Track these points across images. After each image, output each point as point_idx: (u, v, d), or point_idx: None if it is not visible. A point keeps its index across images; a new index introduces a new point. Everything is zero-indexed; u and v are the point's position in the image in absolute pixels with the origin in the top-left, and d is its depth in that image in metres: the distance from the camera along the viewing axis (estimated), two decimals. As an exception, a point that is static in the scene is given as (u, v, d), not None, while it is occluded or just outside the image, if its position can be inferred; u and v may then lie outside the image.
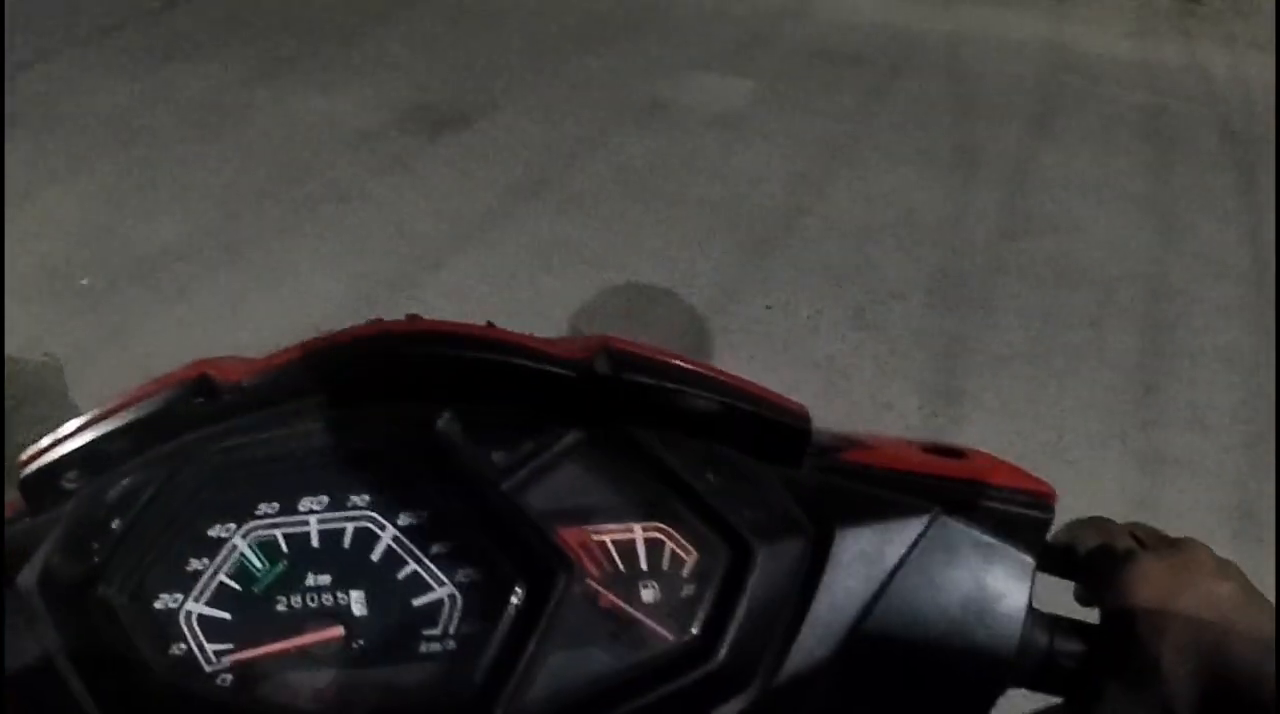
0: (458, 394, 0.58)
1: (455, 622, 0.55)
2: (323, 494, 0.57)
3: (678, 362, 0.59)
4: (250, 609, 0.55)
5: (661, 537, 0.58)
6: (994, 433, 3.11)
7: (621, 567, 0.57)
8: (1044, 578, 0.61)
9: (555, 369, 0.57)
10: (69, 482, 0.59)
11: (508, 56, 5.43)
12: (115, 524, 0.56)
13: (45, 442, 0.59)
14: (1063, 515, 0.63)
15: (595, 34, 5.71)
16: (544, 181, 4.37)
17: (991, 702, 0.60)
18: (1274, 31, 6.03)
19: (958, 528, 0.60)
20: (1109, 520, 0.66)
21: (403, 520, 0.57)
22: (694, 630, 0.56)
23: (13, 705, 0.55)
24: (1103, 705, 0.58)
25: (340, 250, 3.92)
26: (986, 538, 0.60)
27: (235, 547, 0.56)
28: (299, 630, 0.55)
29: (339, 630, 0.55)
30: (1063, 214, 4.31)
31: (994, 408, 3.25)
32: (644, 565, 0.57)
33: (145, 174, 4.39)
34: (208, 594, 0.55)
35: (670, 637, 0.56)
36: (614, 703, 0.55)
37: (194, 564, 0.56)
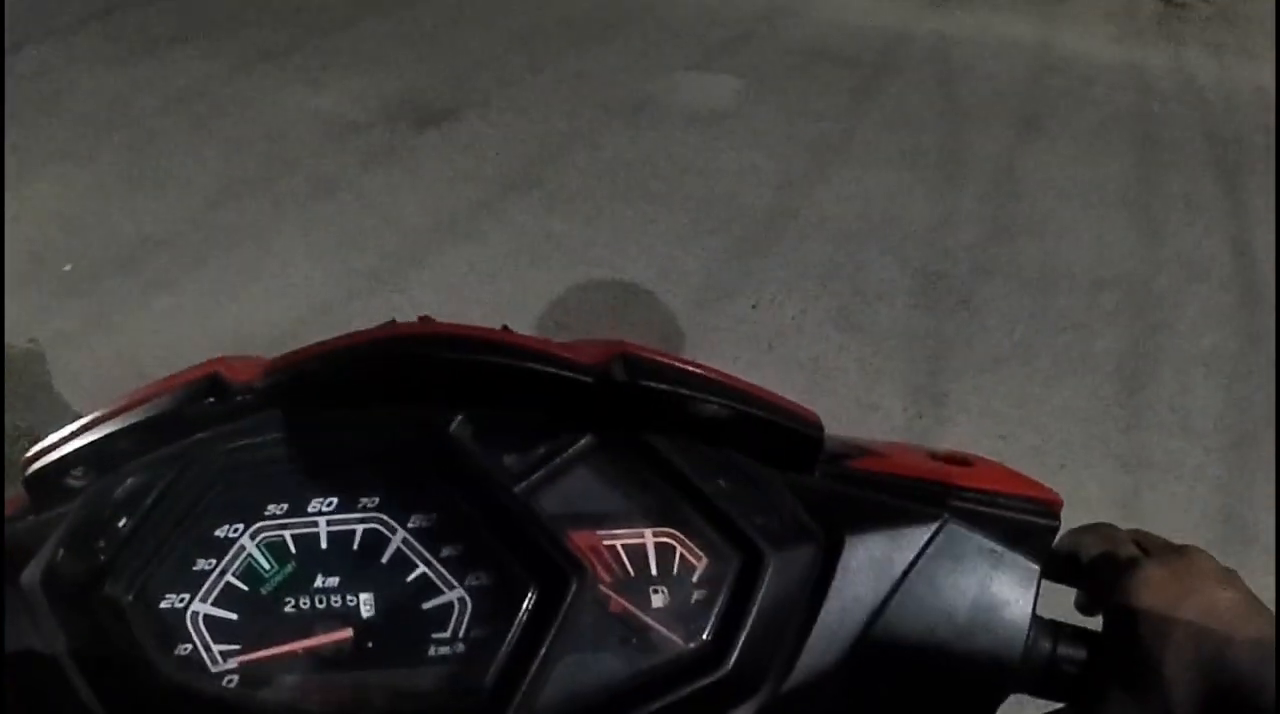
0: (471, 398, 0.58)
1: (465, 625, 0.55)
2: (332, 496, 0.57)
3: (693, 368, 0.59)
4: (258, 610, 0.55)
5: (672, 542, 0.58)
6: (979, 435, 3.11)
7: (632, 571, 0.58)
8: (1046, 583, 0.61)
9: (572, 375, 0.57)
10: (75, 479, 0.59)
11: (497, 51, 5.41)
12: (122, 523, 0.56)
13: (51, 439, 0.58)
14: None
15: (585, 30, 5.70)
16: (531, 177, 4.35)
17: (995, 707, 0.61)
18: (1262, 39, 6.05)
19: (965, 535, 0.60)
20: (1112, 527, 0.66)
21: (413, 523, 0.57)
22: (705, 636, 0.57)
23: (16, 703, 0.54)
24: (1105, 711, 0.58)
25: (326, 243, 3.90)
26: (993, 545, 0.60)
27: (243, 547, 0.56)
28: (307, 632, 0.55)
29: (348, 633, 0.55)
30: (1049, 217, 4.31)
31: (979, 410, 3.26)
32: (654, 570, 0.58)
33: (130, 162, 4.37)
34: (214, 595, 0.55)
35: (681, 642, 0.57)
36: (625, 708, 0.55)
37: (201, 564, 0.56)
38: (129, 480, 0.58)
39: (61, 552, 0.56)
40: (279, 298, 3.58)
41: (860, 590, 0.58)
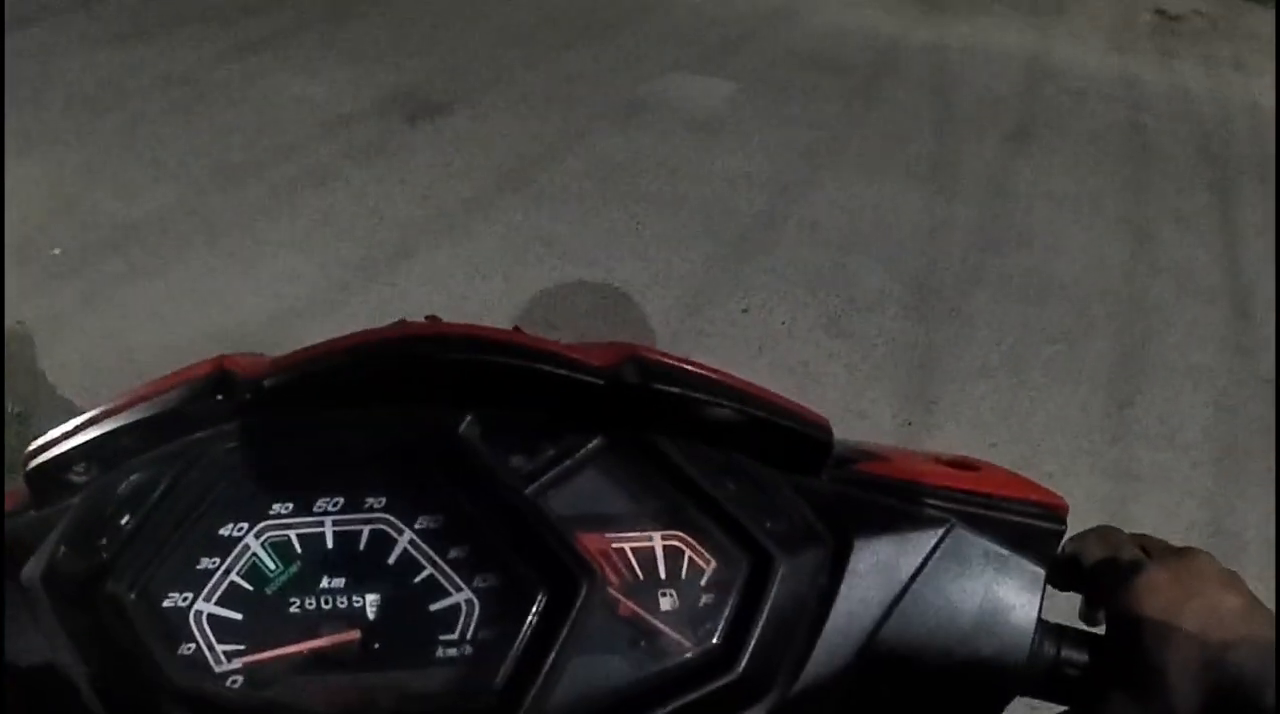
0: (481, 398, 0.58)
1: (473, 627, 0.55)
2: (338, 495, 0.57)
3: (704, 371, 0.59)
4: (262, 610, 0.55)
5: (680, 545, 0.58)
6: (967, 444, 3.11)
7: (640, 575, 0.58)
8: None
9: (584, 377, 0.56)
10: (77, 475, 0.58)
11: (491, 48, 5.40)
12: (125, 520, 0.56)
13: (54, 434, 0.57)
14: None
15: (580, 30, 5.70)
16: (523, 174, 4.34)
17: (1000, 710, 0.61)
18: (1255, 53, 6.09)
19: (972, 539, 0.60)
20: (1115, 530, 0.66)
21: (420, 524, 0.56)
22: (714, 640, 0.57)
23: (16, 700, 0.54)
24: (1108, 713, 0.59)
25: (315, 233, 3.89)
26: (999, 549, 0.61)
27: (248, 546, 0.56)
28: (313, 633, 0.54)
29: (355, 634, 0.54)
30: (1040, 228, 4.32)
31: (967, 419, 3.26)
32: (663, 574, 0.58)
33: (121, 147, 4.35)
34: (219, 594, 0.55)
35: (690, 645, 0.56)
36: (634, 712, 0.55)
37: (205, 563, 0.55)
38: (132, 477, 0.57)
39: (63, 548, 0.55)
40: (268, 286, 3.57)
41: (868, 594, 0.58)
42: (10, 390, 3.02)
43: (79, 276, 3.58)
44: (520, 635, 0.54)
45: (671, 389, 0.57)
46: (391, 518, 0.56)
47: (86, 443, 0.56)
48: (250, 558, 0.55)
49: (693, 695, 0.54)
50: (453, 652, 0.54)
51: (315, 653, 0.54)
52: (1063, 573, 0.64)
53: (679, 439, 0.59)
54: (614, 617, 0.56)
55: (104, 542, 0.55)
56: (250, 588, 0.55)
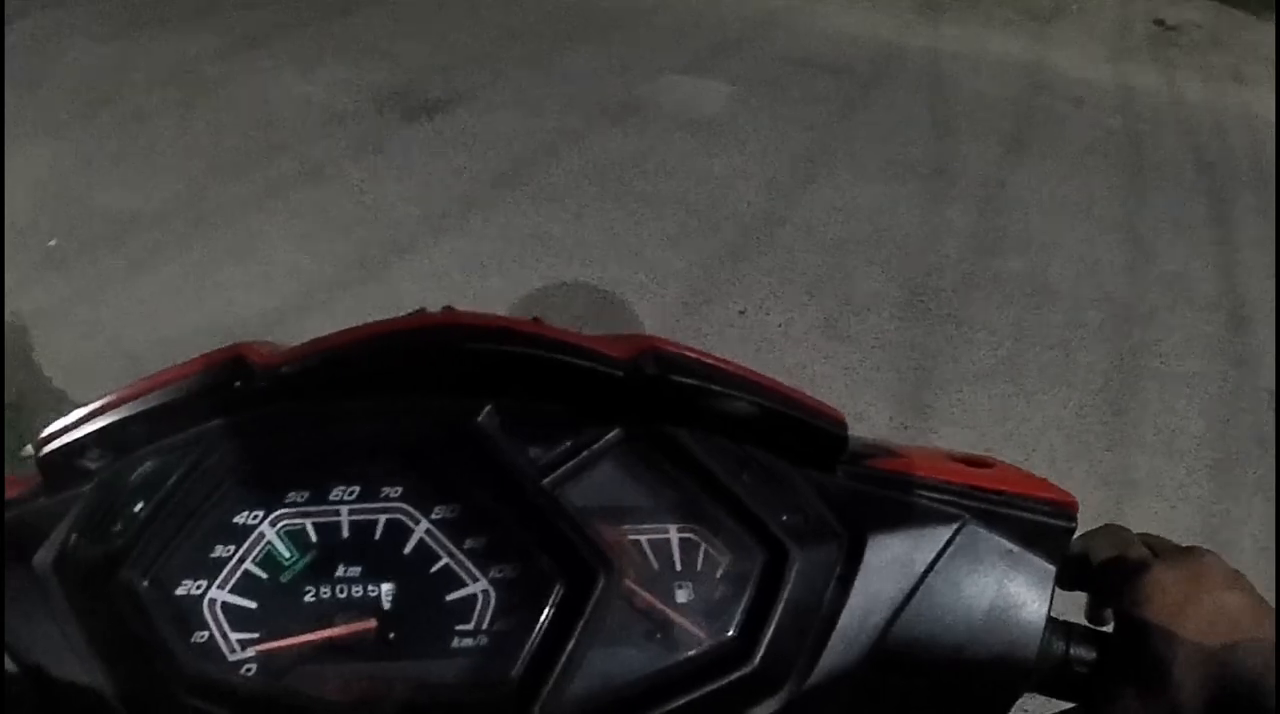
0: (500, 389, 0.57)
1: (489, 618, 0.55)
2: (355, 484, 0.56)
3: (722, 364, 0.58)
4: (277, 599, 0.55)
5: (696, 538, 0.58)
6: (962, 448, 3.10)
7: (657, 567, 0.58)
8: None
9: (604, 368, 0.56)
10: (91, 461, 0.57)
11: (489, 46, 5.40)
12: (139, 507, 0.55)
13: (68, 419, 0.57)
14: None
15: (577, 30, 5.69)
16: (519, 173, 4.34)
17: (1009, 707, 0.61)
18: (1252, 64, 6.11)
19: (984, 535, 0.61)
20: (1123, 529, 0.67)
21: (436, 514, 0.56)
22: (730, 633, 0.57)
23: (25, 687, 0.53)
24: (1115, 711, 0.59)
25: (311, 229, 3.88)
26: (1011, 546, 0.61)
27: (263, 535, 0.55)
28: (328, 622, 0.54)
29: (371, 623, 0.54)
30: (1036, 234, 4.33)
31: (963, 423, 3.26)
32: (679, 566, 0.58)
33: (118, 140, 4.35)
34: (233, 582, 0.55)
35: (705, 637, 0.57)
36: (650, 703, 0.55)
37: (219, 551, 0.55)
38: (147, 464, 0.57)
39: (75, 535, 0.55)
40: (263, 282, 3.57)
41: (882, 589, 0.58)
42: (5, 381, 3.02)
43: (74, 268, 3.57)
44: (537, 626, 0.54)
45: (690, 381, 0.57)
46: (408, 507, 0.56)
47: (101, 429, 0.56)
48: (265, 546, 0.55)
49: (708, 688, 0.55)
50: (468, 642, 0.54)
51: (330, 642, 0.53)
52: (1070, 571, 0.64)
53: (696, 432, 0.59)
54: (630, 608, 0.56)
55: (117, 529, 0.54)
56: (265, 576, 0.55)
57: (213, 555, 0.54)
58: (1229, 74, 6.07)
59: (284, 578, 0.54)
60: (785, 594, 0.56)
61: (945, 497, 0.62)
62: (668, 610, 0.56)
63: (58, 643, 0.52)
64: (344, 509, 0.56)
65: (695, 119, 4.94)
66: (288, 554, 0.55)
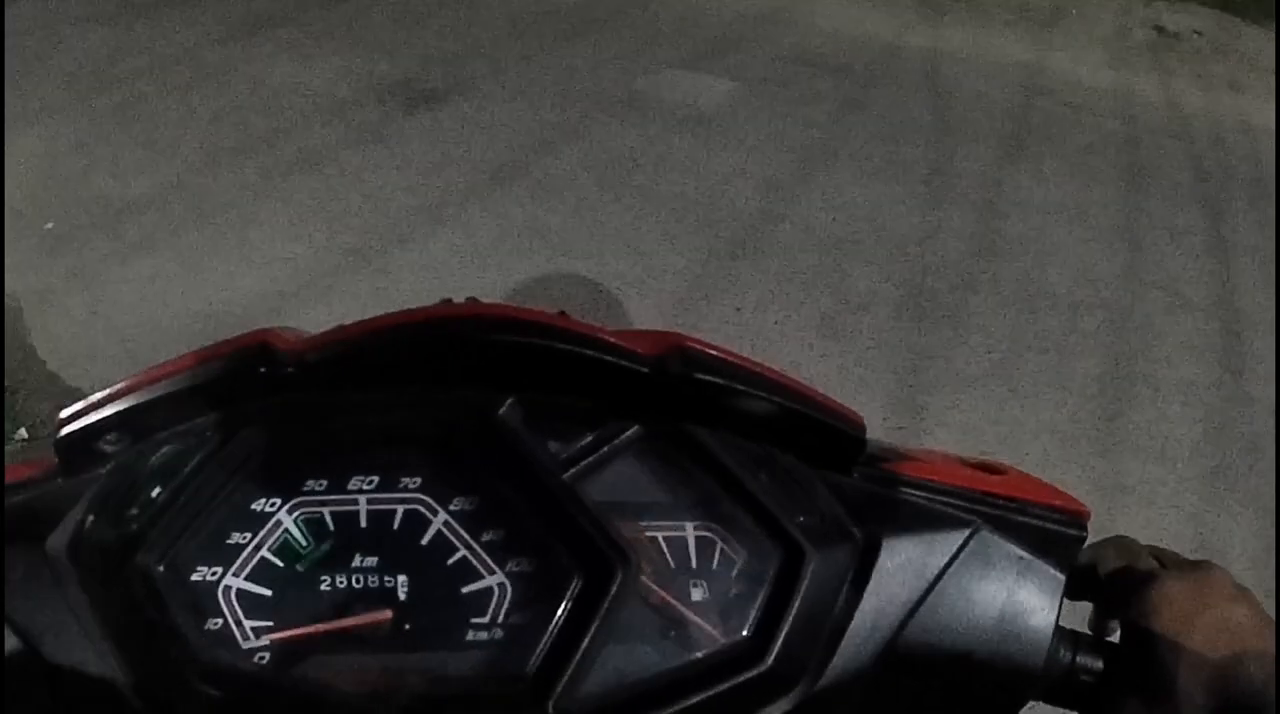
0: (523, 382, 0.57)
1: (505, 611, 0.55)
2: (374, 474, 0.56)
3: (747, 364, 0.58)
4: (292, 587, 0.54)
5: (713, 536, 0.58)
6: (956, 450, 3.10)
7: (673, 564, 0.57)
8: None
9: (629, 364, 0.56)
10: (108, 444, 0.57)
11: (490, 38, 5.39)
12: (156, 491, 0.55)
13: (88, 401, 0.56)
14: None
15: (579, 23, 5.69)
16: (518, 165, 4.33)
17: (1014, 713, 0.62)
18: (1250, 72, 6.11)
19: (996, 541, 0.61)
20: (1132, 540, 0.67)
21: (455, 505, 0.56)
22: (744, 632, 0.57)
23: (37, 670, 0.53)
24: None
25: (309, 218, 3.87)
26: (1022, 553, 0.61)
27: (280, 522, 0.55)
28: (344, 612, 0.54)
29: (387, 614, 0.54)
30: (1033, 237, 4.34)
31: (957, 425, 3.26)
32: (695, 564, 0.58)
33: (116, 124, 4.33)
34: (249, 569, 0.54)
35: (720, 636, 0.57)
36: (663, 701, 0.54)
37: (236, 537, 0.55)
38: (165, 448, 0.57)
39: (91, 518, 0.55)
40: (260, 269, 3.56)
41: (895, 592, 0.59)
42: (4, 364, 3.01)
43: (71, 252, 3.56)
44: (553, 621, 0.54)
45: (715, 380, 0.57)
46: (427, 498, 0.56)
47: (121, 412, 0.55)
48: (282, 534, 0.55)
49: (721, 686, 0.54)
50: (484, 635, 0.54)
51: (345, 632, 0.53)
52: (1078, 580, 0.65)
53: (715, 430, 0.59)
54: (646, 605, 0.56)
55: (134, 513, 0.54)
56: (281, 564, 0.54)
57: (229, 542, 0.54)
58: (1227, 83, 6.08)
59: (300, 566, 0.54)
60: (800, 595, 0.56)
61: (959, 502, 0.62)
62: (682, 608, 0.56)
63: (70, 627, 0.52)
64: (362, 499, 0.55)
65: (695, 115, 4.93)
66: (304, 542, 0.55)
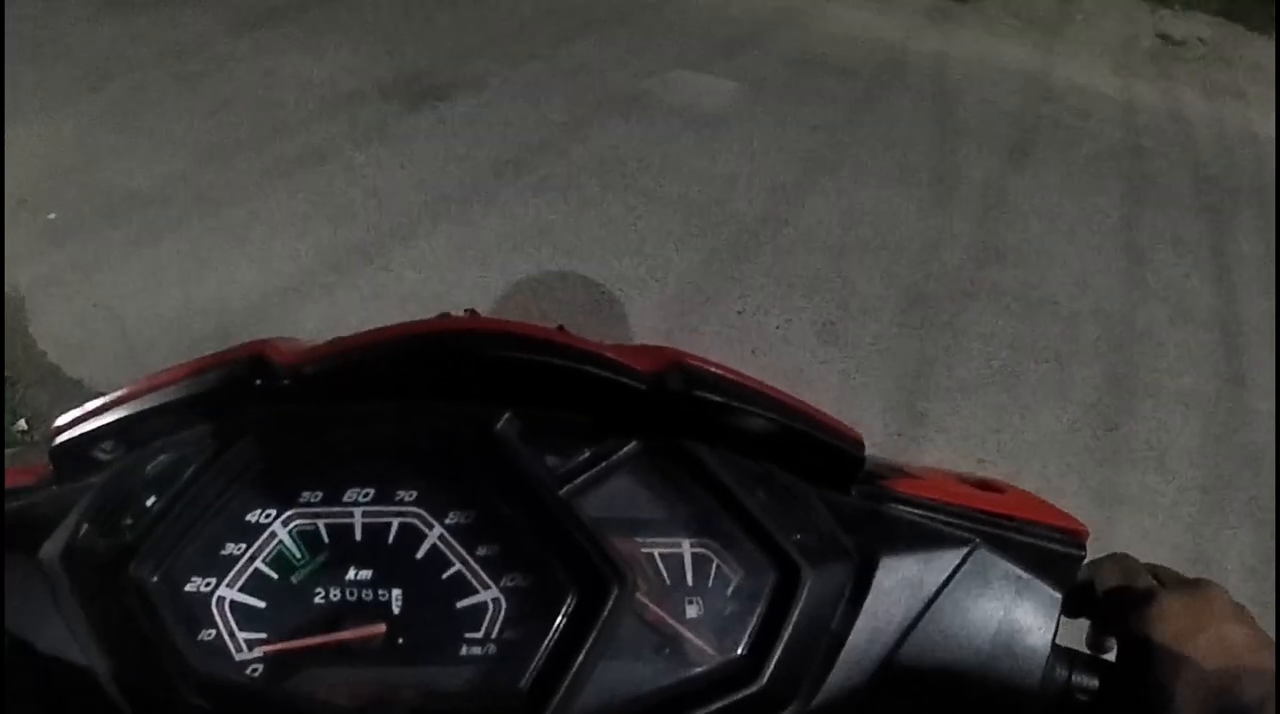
0: (520, 397, 0.57)
1: (499, 626, 0.55)
2: (369, 487, 0.56)
3: (745, 381, 0.59)
4: (286, 599, 0.54)
5: (709, 554, 0.58)
6: (956, 458, 3.12)
7: (668, 581, 0.57)
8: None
9: (627, 381, 0.56)
10: (103, 452, 0.57)
11: (496, 35, 5.37)
12: (151, 501, 0.55)
13: (83, 408, 0.56)
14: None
15: (585, 22, 5.67)
16: (523, 164, 4.32)
17: None
18: (1254, 81, 6.11)
19: (994, 560, 0.61)
20: (1130, 558, 0.67)
21: (451, 519, 0.56)
22: (739, 650, 0.57)
23: (28, 678, 0.53)
24: None
25: (313, 212, 3.86)
26: (1020, 571, 0.61)
27: (274, 534, 0.55)
28: (338, 625, 0.53)
29: (381, 628, 0.54)
30: (1035, 245, 4.33)
31: (957, 433, 3.26)
32: (690, 581, 0.58)
33: (120, 115, 4.32)
34: (242, 581, 0.54)
35: (714, 654, 0.57)
36: None
37: (230, 549, 0.55)
38: (161, 457, 0.57)
39: (85, 526, 0.55)
40: (263, 264, 3.56)
41: (892, 610, 0.59)
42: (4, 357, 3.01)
43: (73, 243, 3.56)
44: (547, 637, 0.54)
45: (714, 397, 0.57)
46: (422, 512, 0.56)
47: (117, 421, 0.55)
48: (277, 546, 0.54)
49: (715, 705, 0.54)
50: (477, 650, 0.54)
51: (338, 645, 0.53)
52: (1076, 598, 0.65)
53: (713, 447, 0.59)
54: (641, 622, 0.56)
55: (128, 522, 0.54)
56: (275, 576, 0.54)
57: (223, 553, 0.54)
58: (1231, 91, 6.06)
59: (294, 578, 0.54)
60: (796, 613, 0.56)
61: (957, 520, 0.62)
62: (677, 626, 0.56)
63: (62, 635, 0.52)
64: (357, 511, 0.55)
65: (700, 115, 4.92)
66: (299, 555, 0.54)
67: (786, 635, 0.56)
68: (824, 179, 4.56)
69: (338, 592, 0.54)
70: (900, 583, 0.59)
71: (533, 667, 0.53)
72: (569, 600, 0.54)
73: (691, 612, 0.57)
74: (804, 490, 0.62)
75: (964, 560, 0.60)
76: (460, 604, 0.55)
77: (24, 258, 3.40)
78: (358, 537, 0.55)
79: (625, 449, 0.58)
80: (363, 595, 0.54)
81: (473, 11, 5.60)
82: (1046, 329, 3.82)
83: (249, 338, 0.59)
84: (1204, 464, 3.29)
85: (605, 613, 0.53)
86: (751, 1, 6.25)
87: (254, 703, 0.52)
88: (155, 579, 0.53)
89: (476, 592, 0.55)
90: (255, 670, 0.53)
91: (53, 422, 0.57)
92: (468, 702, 0.54)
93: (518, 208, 4.04)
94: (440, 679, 0.54)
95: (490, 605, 0.55)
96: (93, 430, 0.56)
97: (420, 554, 0.55)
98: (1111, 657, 0.63)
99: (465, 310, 0.67)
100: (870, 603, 0.58)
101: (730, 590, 0.58)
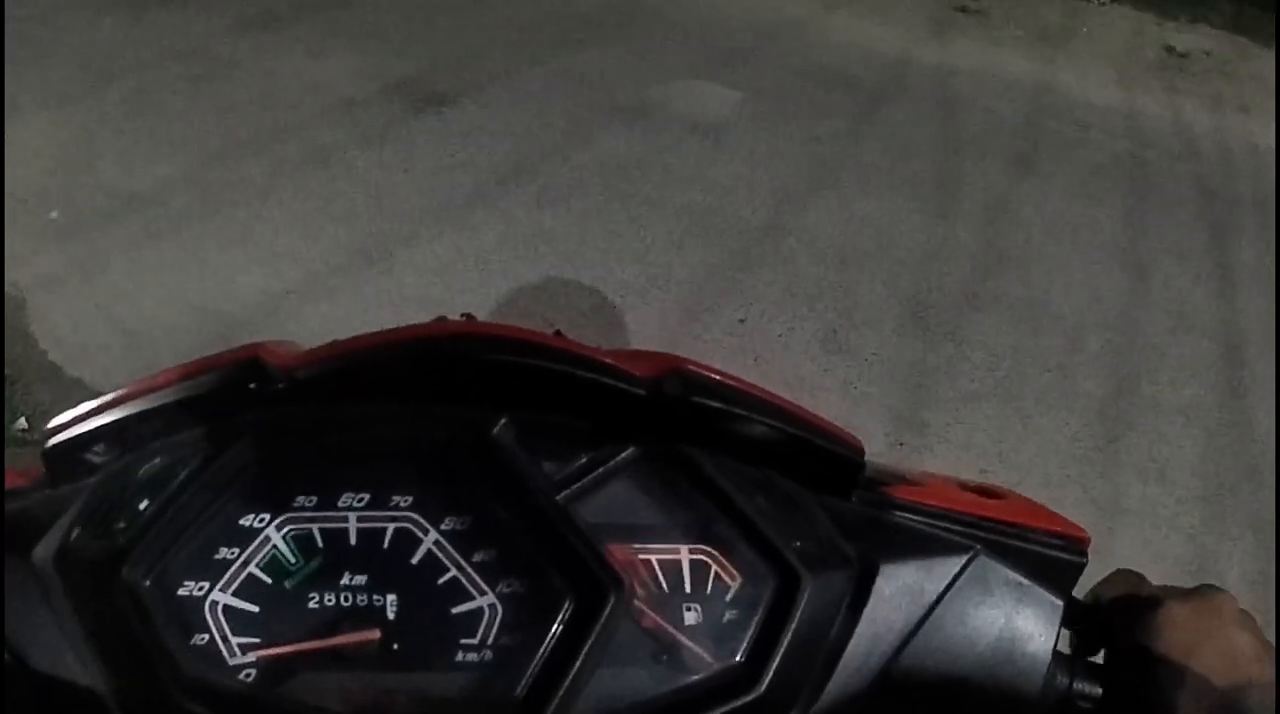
0: (517, 402, 0.57)
1: (494, 632, 0.54)
2: (364, 491, 0.56)
3: (745, 387, 0.58)
4: (280, 604, 0.54)
5: (707, 560, 0.58)
6: (957, 468, 3.11)
7: (666, 588, 0.57)
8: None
9: (626, 386, 0.56)
10: (97, 455, 0.57)
11: (500, 40, 5.38)
12: (144, 504, 0.54)
13: (77, 411, 0.56)
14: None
15: (589, 29, 5.67)
16: (525, 170, 4.32)
17: None
18: (1257, 94, 6.11)
19: (995, 567, 0.61)
20: (1134, 572, 0.67)
21: (446, 525, 0.55)
22: (737, 658, 0.56)
23: (20, 680, 0.52)
24: None
25: (315, 215, 3.86)
26: (1021, 578, 0.61)
27: (268, 538, 0.55)
28: (331, 630, 0.53)
29: (375, 633, 0.53)
30: (1038, 256, 4.33)
31: (959, 443, 3.26)
32: (689, 588, 0.57)
33: (124, 115, 4.33)
34: (236, 585, 0.54)
35: (712, 661, 0.56)
36: None
37: (223, 553, 0.54)
38: (154, 461, 0.56)
39: (78, 530, 0.54)
40: (265, 265, 3.55)
41: (892, 617, 0.58)
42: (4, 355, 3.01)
43: (75, 242, 3.56)
44: (544, 644, 0.53)
45: (713, 403, 0.56)
46: (418, 517, 0.55)
47: (111, 423, 0.55)
48: (270, 550, 0.54)
49: (713, 712, 0.54)
50: (473, 657, 0.54)
51: (332, 650, 0.53)
52: (1078, 606, 0.64)
53: (712, 453, 0.59)
54: (638, 629, 0.56)
55: (121, 525, 0.54)
56: (269, 581, 0.54)
57: (217, 557, 0.54)
58: (1235, 104, 6.06)
59: (288, 583, 0.54)
60: (795, 620, 0.56)
61: (958, 527, 0.62)
62: (675, 632, 0.56)
63: (55, 639, 0.52)
64: (352, 516, 0.55)
65: (703, 124, 4.92)
66: (293, 559, 0.54)
67: (785, 643, 0.56)
68: (826, 189, 4.56)
69: (332, 597, 0.54)
70: (901, 590, 0.59)
71: (529, 674, 0.53)
72: (566, 607, 0.54)
73: (690, 618, 0.56)
74: (804, 497, 0.61)
75: (965, 567, 0.60)
76: (456, 610, 0.54)
77: (25, 257, 3.41)
78: (352, 541, 0.55)
79: (623, 455, 0.58)
80: (357, 601, 0.54)
81: (477, 17, 5.61)
82: (1049, 339, 3.82)
83: (249, 339, 0.58)
84: (1205, 476, 3.29)
85: (602, 619, 0.52)
86: (755, 11, 6.25)
87: (247, 708, 0.52)
88: (148, 583, 0.52)
89: (472, 598, 0.54)
90: (248, 676, 0.52)
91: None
92: (463, 709, 0.53)
93: (519, 213, 4.04)
94: (435, 686, 0.53)
95: (486, 612, 0.54)
96: (86, 433, 0.55)
97: (415, 559, 0.55)
98: (1114, 664, 0.63)
99: (462, 314, 0.66)
100: (870, 610, 0.58)
101: (729, 597, 0.57)
